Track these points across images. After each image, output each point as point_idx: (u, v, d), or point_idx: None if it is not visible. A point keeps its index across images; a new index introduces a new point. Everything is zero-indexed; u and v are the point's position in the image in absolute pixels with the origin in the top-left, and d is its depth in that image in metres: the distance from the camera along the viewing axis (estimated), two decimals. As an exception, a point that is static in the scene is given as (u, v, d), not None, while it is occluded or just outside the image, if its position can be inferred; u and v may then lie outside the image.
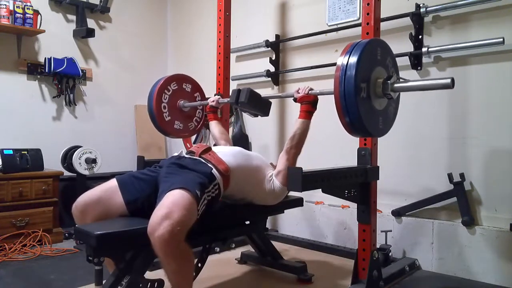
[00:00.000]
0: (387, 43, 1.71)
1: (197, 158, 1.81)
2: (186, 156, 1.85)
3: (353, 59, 1.52)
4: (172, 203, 1.44)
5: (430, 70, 2.47)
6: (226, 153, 1.87)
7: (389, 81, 1.61)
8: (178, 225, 1.38)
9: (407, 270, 2.30)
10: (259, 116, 2.31)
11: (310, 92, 1.91)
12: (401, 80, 1.68)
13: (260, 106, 2.21)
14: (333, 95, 1.56)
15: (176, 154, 1.90)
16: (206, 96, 2.67)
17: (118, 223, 1.58)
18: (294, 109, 3.16)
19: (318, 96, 1.93)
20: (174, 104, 2.53)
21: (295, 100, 1.97)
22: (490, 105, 2.26)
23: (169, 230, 1.36)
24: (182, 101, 2.56)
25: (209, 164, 1.75)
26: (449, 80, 1.50)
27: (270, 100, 2.29)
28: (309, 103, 1.91)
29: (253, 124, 3.39)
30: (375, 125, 1.64)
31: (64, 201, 3.14)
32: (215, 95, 2.55)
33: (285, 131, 3.22)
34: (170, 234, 1.36)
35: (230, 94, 2.26)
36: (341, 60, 1.55)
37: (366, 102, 1.57)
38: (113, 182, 1.69)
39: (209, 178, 1.68)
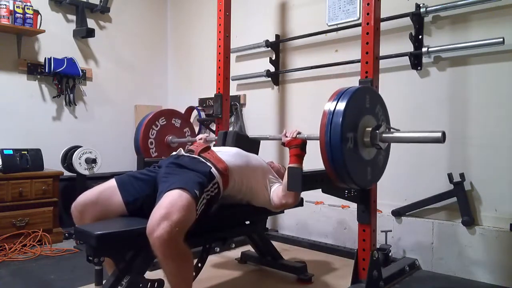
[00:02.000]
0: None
1: (196, 156, 1.81)
2: (185, 155, 1.85)
3: (341, 106, 1.48)
4: (171, 203, 1.44)
5: (430, 70, 2.47)
6: (225, 152, 1.87)
7: (377, 131, 1.57)
8: (176, 226, 1.38)
9: (407, 270, 2.30)
10: None
11: (297, 136, 1.83)
12: (391, 130, 1.63)
13: (248, 147, 2.14)
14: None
15: (174, 153, 1.90)
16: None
17: (118, 223, 1.58)
18: (294, 109, 3.18)
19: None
20: (162, 140, 2.52)
21: (283, 144, 1.89)
22: (490, 105, 2.26)
23: (168, 231, 1.36)
24: (170, 137, 2.54)
25: (208, 163, 1.75)
26: (439, 134, 1.46)
27: (259, 139, 2.26)
28: (298, 147, 1.81)
29: (253, 125, 3.39)
30: (363, 176, 1.60)
31: (64, 201, 3.14)
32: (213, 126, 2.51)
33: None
34: (168, 235, 1.36)
35: (217, 136, 2.24)
36: (328, 106, 1.51)
37: (353, 152, 1.52)
38: (112, 182, 1.68)
39: (208, 177, 1.68)
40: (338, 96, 1.53)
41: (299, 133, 1.84)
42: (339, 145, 1.45)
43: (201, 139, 2.33)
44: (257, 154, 2.22)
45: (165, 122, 2.50)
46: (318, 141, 1.57)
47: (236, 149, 1.98)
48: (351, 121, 1.51)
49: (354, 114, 1.52)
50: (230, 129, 3.23)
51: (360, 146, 1.55)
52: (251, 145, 2.20)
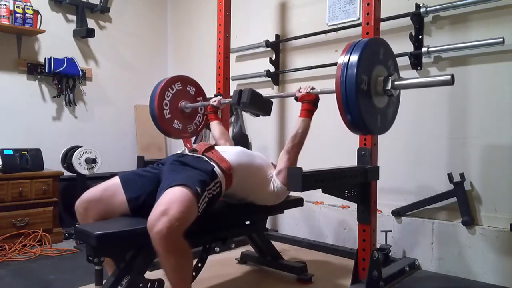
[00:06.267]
0: (389, 44, 1.72)
1: (200, 156, 1.81)
2: (189, 154, 1.85)
3: (354, 58, 1.53)
4: (170, 200, 1.45)
5: (430, 70, 2.47)
6: (229, 152, 1.87)
7: (390, 78, 1.62)
8: (176, 221, 1.39)
9: (407, 270, 2.30)
10: (261, 116, 2.31)
11: (311, 91, 1.92)
12: (401, 78, 1.69)
13: (262, 106, 2.22)
14: (333, 95, 1.57)
15: (179, 151, 1.90)
16: (208, 96, 2.67)
17: (118, 223, 1.58)
18: (295, 109, 3.17)
19: (320, 96, 1.93)
20: (176, 104, 2.54)
21: (296, 99, 1.98)
22: (490, 105, 2.26)
23: (167, 226, 1.37)
24: (183, 102, 2.56)
25: (211, 162, 1.76)
26: (449, 77, 1.52)
27: (271, 99, 2.29)
28: (310, 102, 1.91)
29: (253, 124, 3.39)
30: (375, 123, 1.64)
31: (64, 201, 3.14)
32: (216, 95, 2.55)
33: (285, 131, 3.22)
34: (168, 230, 1.37)
35: (232, 94, 2.25)
36: (342, 59, 1.55)
37: (366, 100, 1.57)
38: (115, 180, 1.69)
39: (210, 175, 1.68)
40: (351, 47, 1.56)
41: (312, 88, 1.93)
42: (354, 94, 1.51)
43: (215, 101, 2.41)
44: (269, 114, 2.27)
45: (180, 87, 2.54)
46: (333, 94, 1.60)
47: (240, 148, 1.98)
48: (364, 70, 1.55)
49: (367, 63, 1.57)
50: (230, 129, 3.23)
51: (373, 94, 1.61)
52: (265, 104, 2.23)
